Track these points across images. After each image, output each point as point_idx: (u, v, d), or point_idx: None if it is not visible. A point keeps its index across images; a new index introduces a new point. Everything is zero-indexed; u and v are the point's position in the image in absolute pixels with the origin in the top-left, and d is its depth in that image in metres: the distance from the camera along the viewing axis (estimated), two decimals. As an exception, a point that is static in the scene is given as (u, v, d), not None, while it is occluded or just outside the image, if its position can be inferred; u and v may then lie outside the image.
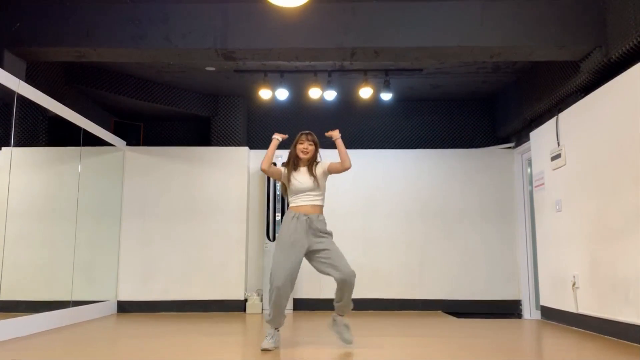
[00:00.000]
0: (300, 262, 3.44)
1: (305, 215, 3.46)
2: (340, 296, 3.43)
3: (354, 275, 3.38)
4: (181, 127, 6.95)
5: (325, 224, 3.52)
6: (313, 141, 3.63)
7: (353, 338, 3.47)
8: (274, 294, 3.34)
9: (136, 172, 6.19)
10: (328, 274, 3.42)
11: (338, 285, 3.41)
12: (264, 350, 3.34)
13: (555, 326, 4.71)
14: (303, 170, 3.59)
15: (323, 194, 3.59)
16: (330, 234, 3.51)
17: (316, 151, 3.65)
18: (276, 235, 5.98)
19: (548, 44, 4.18)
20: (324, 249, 3.41)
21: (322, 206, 3.57)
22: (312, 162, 3.62)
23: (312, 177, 3.53)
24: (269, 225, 6.03)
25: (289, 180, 3.58)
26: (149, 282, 5.99)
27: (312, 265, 3.50)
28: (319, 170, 3.58)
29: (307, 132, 3.67)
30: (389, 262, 6.25)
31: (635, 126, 3.64)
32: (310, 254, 3.46)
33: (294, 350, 3.39)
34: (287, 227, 3.46)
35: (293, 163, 3.63)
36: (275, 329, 3.44)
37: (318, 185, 3.53)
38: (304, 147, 3.60)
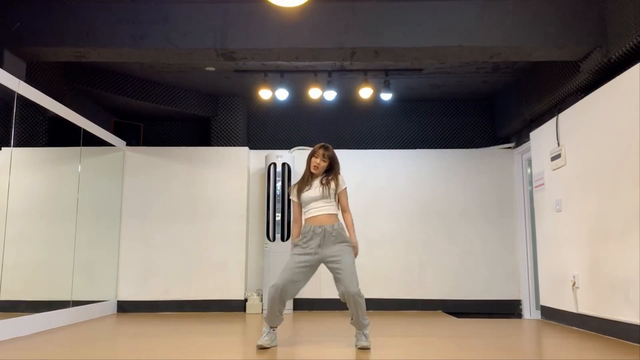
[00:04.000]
0: (309, 272, 3.45)
1: (320, 226, 3.45)
2: (351, 313, 3.44)
3: (357, 294, 3.35)
4: (181, 127, 6.95)
5: (341, 232, 3.47)
6: (329, 157, 3.55)
7: (368, 344, 3.42)
8: (270, 292, 3.37)
9: (136, 172, 6.19)
10: (337, 287, 3.44)
11: (345, 300, 3.43)
12: (260, 347, 3.37)
13: (555, 326, 4.71)
14: (315, 183, 3.55)
15: (336, 203, 3.54)
16: (346, 242, 3.46)
17: (329, 166, 3.56)
18: (276, 235, 5.98)
19: (548, 44, 4.18)
20: (335, 261, 3.40)
21: (336, 214, 3.52)
22: (325, 176, 3.55)
23: (321, 186, 3.50)
24: (269, 225, 6.03)
25: (299, 195, 3.55)
26: (149, 282, 5.99)
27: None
28: (332, 184, 3.52)
29: (325, 145, 3.57)
30: (389, 262, 6.25)
31: (635, 126, 3.64)
32: (326, 264, 3.48)
33: (293, 350, 3.39)
34: (304, 238, 3.48)
35: (307, 180, 3.57)
36: (271, 327, 3.47)
37: (328, 194, 3.48)
38: (317, 162, 3.53)
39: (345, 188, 3.57)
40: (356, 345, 3.45)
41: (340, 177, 3.58)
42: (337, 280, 3.42)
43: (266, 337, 3.42)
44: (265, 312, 3.48)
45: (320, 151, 3.54)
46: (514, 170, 6.34)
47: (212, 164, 6.24)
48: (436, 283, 6.19)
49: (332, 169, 3.58)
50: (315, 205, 3.49)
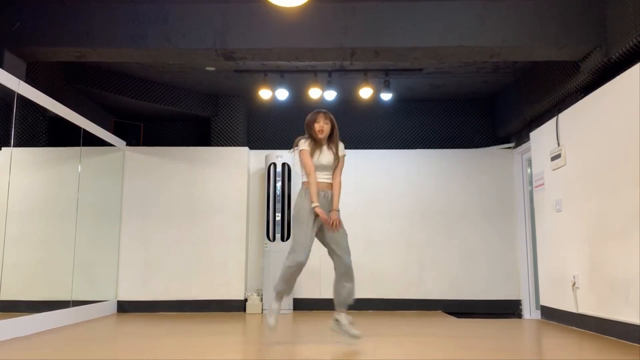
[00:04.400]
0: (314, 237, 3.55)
1: (323, 191, 3.54)
2: (340, 287, 3.48)
3: (350, 264, 3.46)
4: (181, 127, 6.95)
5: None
6: (330, 119, 3.62)
7: (360, 332, 3.48)
8: (295, 269, 3.39)
9: (136, 172, 6.19)
10: (331, 250, 3.50)
11: (337, 270, 3.49)
12: (272, 328, 3.43)
13: (555, 326, 4.71)
14: (324, 148, 3.61)
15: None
16: (338, 210, 3.57)
17: (333, 128, 3.63)
18: (276, 235, 5.98)
19: (548, 44, 4.18)
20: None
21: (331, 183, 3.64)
22: (331, 140, 3.63)
23: (333, 154, 3.58)
24: (269, 225, 6.03)
25: (312, 155, 3.56)
26: (149, 282, 5.99)
27: (319, 238, 3.56)
28: (339, 150, 3.65)
29: (323, 110, 3.64)
30: (389, 262, 6.25)
31: (635, 126, 3.64)
32: (321, 227, 3.54)
33: (294, 350, 3.39)
34: (305, 203, 3.49)
35: (318, 144, 3.61)
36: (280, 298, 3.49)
37: (335, 165, 3.60)
38: (320, 126, 3.58)
39: (343, 156, 3.67)
40: (352, 337, 3.44)
41: (341, 144, 3.68)
42: (333, 244, 3.48)
43: (274, 314, 3.45)
44: (280, 285, 3.46)
45: (321, 115, 3.60)
46: (514, 170, 6.34)
47: (212, 164, 6.24)
48: (436, 283, 6.19)
49: (332, 134, 3.64)
50: (322, 173, 3.57)
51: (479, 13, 4.23)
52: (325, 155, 3.58)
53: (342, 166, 3.66)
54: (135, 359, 3.04)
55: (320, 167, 3.57)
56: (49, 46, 4.26)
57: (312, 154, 3.55)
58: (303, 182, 3.61)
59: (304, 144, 3.59)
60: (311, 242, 3.45)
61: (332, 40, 4.26)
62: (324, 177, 3.58)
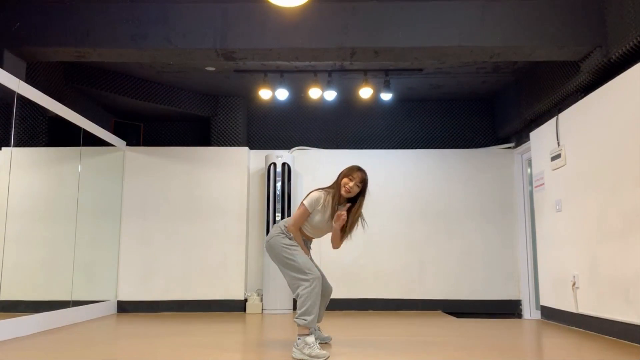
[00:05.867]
0: None
1: (308, 240, 3.54)
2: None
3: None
4: (181, 127, 6.95)
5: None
6: (363, 182, 3.24)
7: (295, 356, 3.05)
8: (317, 286, 3.11)
9: (136, 172, 6.19)
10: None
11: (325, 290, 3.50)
12: (328, 356, 2.99)
13: (555, 326, 4.71)
14: (333, 212, 3.29)
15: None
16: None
17: (359, 196, 3.26)
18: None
19: (548, 44, 4.18)
20: None
21: None
22: (349, 204, 3.29)
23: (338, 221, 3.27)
24: (269, 225, 6.03)
25: (319, 212, 3.26)
26: (149, 282, 5.99)
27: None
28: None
29: (362, 169, 3.26)
30: (389, 262, 6.25)
31: (635, 126, 3.64)
32: None
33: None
34: (288, 240, 3.34)
35: (335, 205, 3.27)
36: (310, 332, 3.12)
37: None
38: (350, 186, 3.22)
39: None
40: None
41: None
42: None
43: (318, 343, 3.09)
44: (308, 314, 3.04)
45: (358, 174, 3.23)
46: (514, 170, 6.34)
47: (212, 164, 6.24)
48: (436, 283, 6.19)
49: (357, 199, 3.28)
50: (315, 232, 3.43)
51: (478, 13, 4.23)
52: (330, 221, 3.27)
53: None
54: (135, 359, 3.04)
55: (316, 229, 3.38)
56: (49, 46, 4.26)
57: (320, 210, 3.24)
58: (286, 227, 3.32)
59: (313, 201, 3.22)
60: (311, 262, 3.30)
61: (332, 40, 4.26)
62: (312, 234, 3.42)
